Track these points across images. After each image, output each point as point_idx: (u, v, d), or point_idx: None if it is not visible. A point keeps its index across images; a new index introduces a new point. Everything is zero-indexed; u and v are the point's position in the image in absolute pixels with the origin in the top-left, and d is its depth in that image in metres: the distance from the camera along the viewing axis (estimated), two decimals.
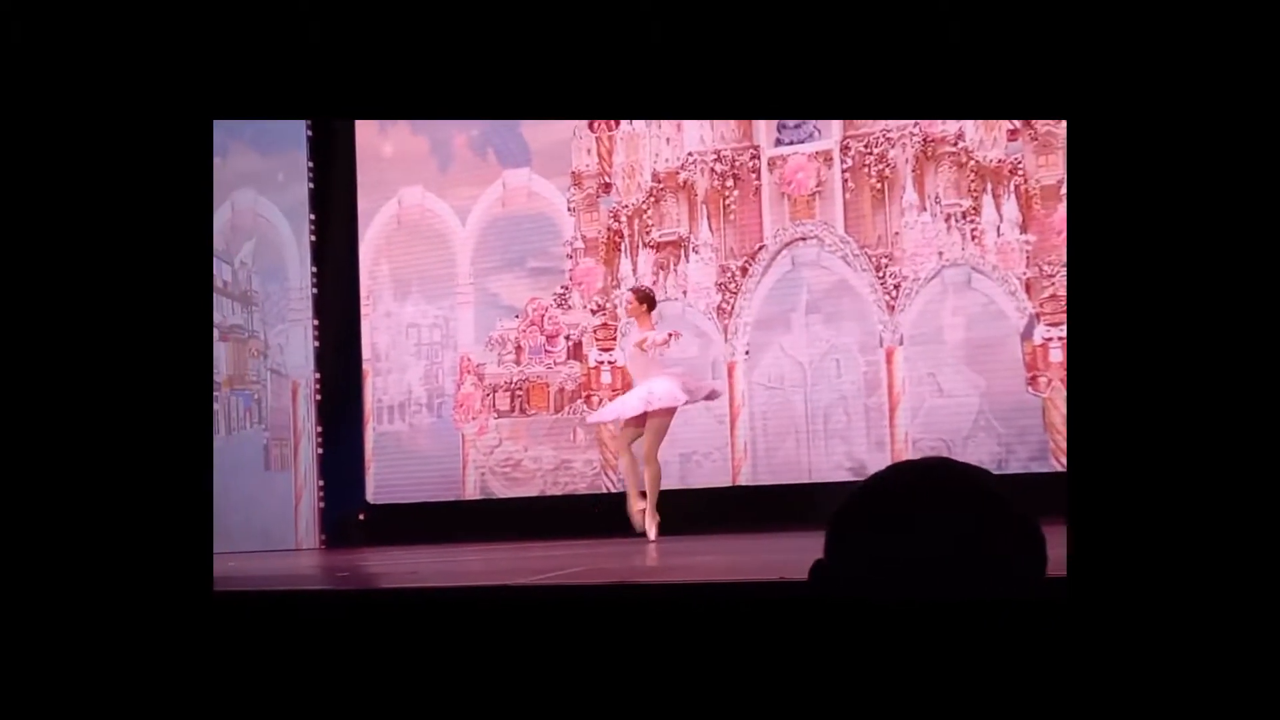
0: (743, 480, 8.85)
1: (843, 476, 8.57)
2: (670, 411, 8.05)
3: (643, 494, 8.03)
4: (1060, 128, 7.92)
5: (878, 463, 8.50)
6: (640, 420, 8.03)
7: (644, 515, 8.06)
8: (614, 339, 9.28)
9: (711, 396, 8.36)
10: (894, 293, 8.56)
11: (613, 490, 9.23)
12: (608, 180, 9.38)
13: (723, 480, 8.91)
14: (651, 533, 8.06)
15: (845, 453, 8.62)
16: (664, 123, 9.22)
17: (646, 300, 8.13)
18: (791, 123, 8.86)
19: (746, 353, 8.90)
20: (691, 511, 8.77)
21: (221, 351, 9.96)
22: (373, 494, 9.82)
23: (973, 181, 8.37)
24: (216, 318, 10.01)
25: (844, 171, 8.71)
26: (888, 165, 8.61)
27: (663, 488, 9.02)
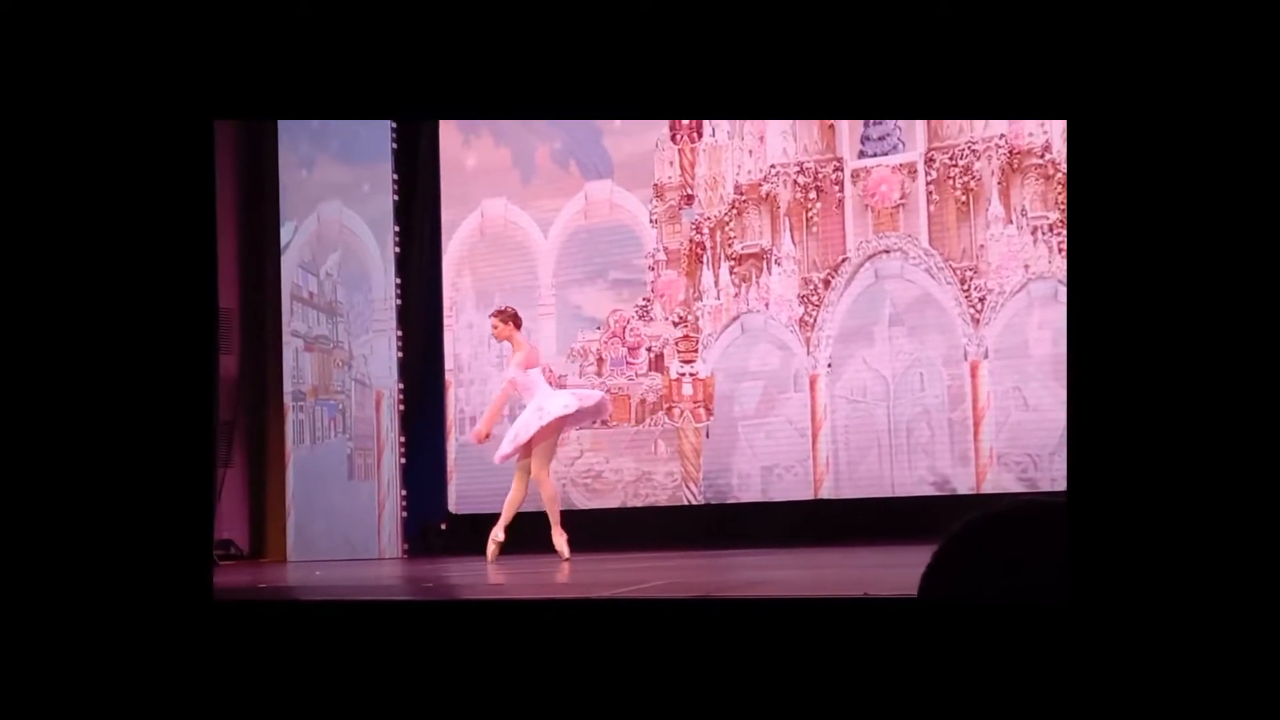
0: (825, 494, 8.80)
1: (926, 491, 8.49)
2: (556, 429, 8.10)
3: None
4: None
5: (962, 478, 8.41)
6: (528, 447, 8.09)
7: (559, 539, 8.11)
8: (696, 351, 9.27)
9: (600, 408, 8.41)
10: (979, 306, 8.47)
11: (694, 503, 9.21)
12: (690, 192, 9.37)
13: (804, 494, 8.86)
14: (565, 551, 8.11)
15: (929, 467, 8.54)
16: (746, 134, 9.20)
17: (512, 319, 8.24)
18: (875, 134, 8.81)
19: (829, 366, 8.84)
20: (773, 525, 8.73)
21: (307, 362, 10.06)
22: (454, 504, 9.87)
23: (1060, 194, 8.26)
24: (302, 328, 10.11)
25: (928, 183, 8.64)
26: (973, 177, 8.53)
27: (744, 500, 9.00)
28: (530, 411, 8.09)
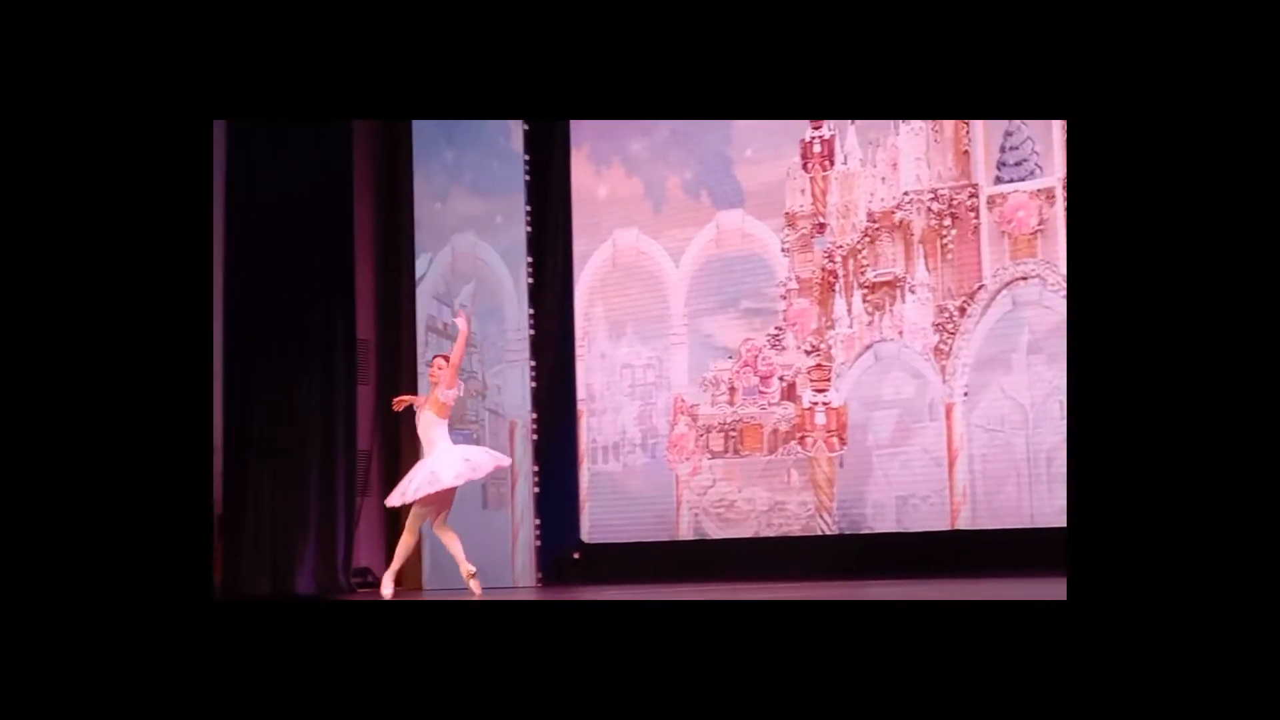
0: (962, 524, 8.66)
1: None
2: (448, 495, 8.22)
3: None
4: None
5: None
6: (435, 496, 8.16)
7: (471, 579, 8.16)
8: (829, 380, 9.20)
9: (494, 472, 8.57)
10: None
11: (828, 533, 9.13)
12: (822, 220, 9.33)
13: (941, 524, 8.73)
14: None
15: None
16: (879, 161, 9.13)
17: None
18: (1011, 160, 8.69)
19: (965, 394, 8.72)
20: (909, 555, 8.62)
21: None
22: (588, 533, 9.90)
23: None
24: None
25: (1067, 209, 8.49)
26: None
27: (879, 529, 8.90)
28: (425, 472, 8.18)
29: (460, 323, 8.40)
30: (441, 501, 8.27)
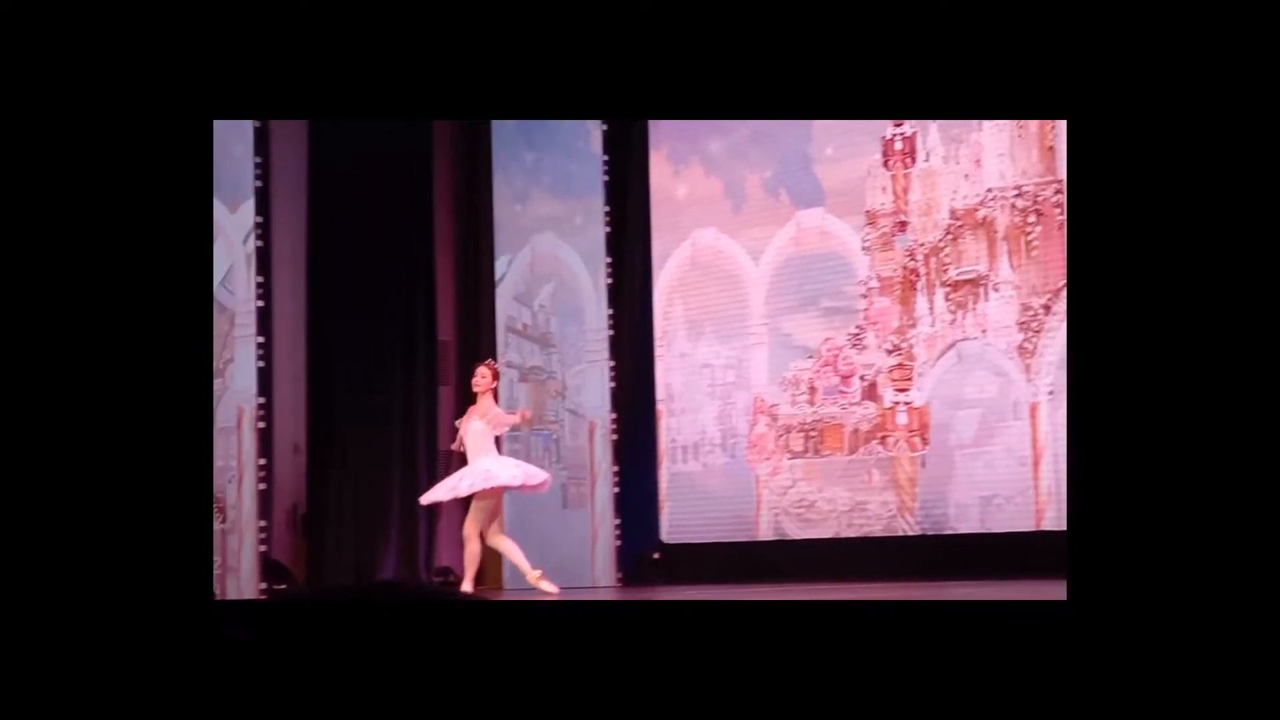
0: (1047, 525, 8.55)
1: None
2: (499, 492, 8.24)
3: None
4: None
5: None
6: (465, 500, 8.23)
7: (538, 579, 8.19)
8: (910, 379, 9.12)
9: (539, 487, 8.48)
10: None
11: (910, 533, 9.05)
12: (903, 218, 9.25)
13: (1026, 525, 8.62)
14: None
15: None
16: (962, 158, 9.04)
17: (498, 378, 8.38)
18: None
19: (1050, 393, 8.60)
20: (993, 556, 8.51)
21: (522, 393, 10.20)
22: (667, 533, 9.88)
23: None
24: (516, 359, 10.26)
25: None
26: None
27: (962, 530, 8.81)
28: (479, 470, 8.21)
29: (517, 417, 8.46)
30: (494, 508, 8.31)
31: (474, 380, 8.43)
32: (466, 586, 8.40)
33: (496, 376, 8.52)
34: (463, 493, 8.26)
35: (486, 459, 8.26)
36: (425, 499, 8.55)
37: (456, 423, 8.64)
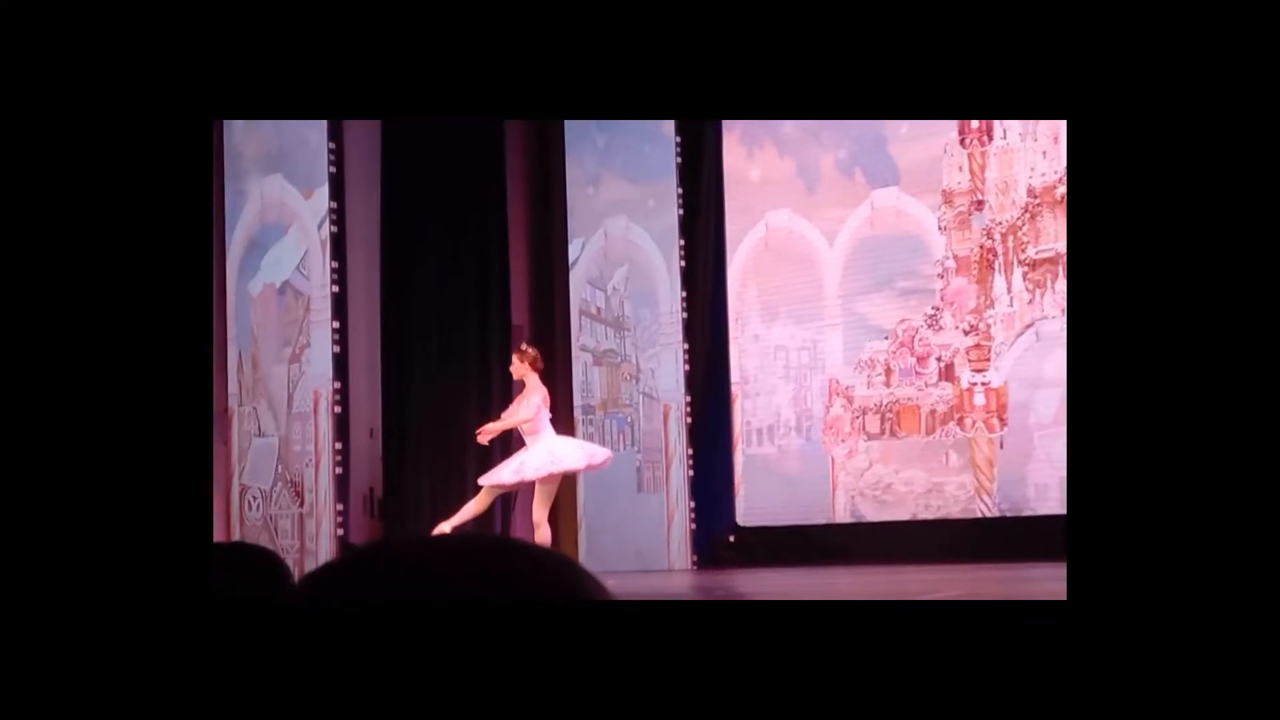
0: None
1: None
2: (558, 478, 8.12)
3: None
4: None
5: None
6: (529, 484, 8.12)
7: None
8: (988, 360, 9.01)
9: (602, 465, 8.37)
10: None
11: (988, 515, 8.94)
12: (980, 197, 9.13)
13: None
14: None
15: None
16: (1040, 135, 8.92)
17: (533, 361, 8.20)
18: None
19: None
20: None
21: (595, 376, 10.20)
22: (743, 516, 9.84)
23: None
24: (590, 343, 10.26)
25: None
26: None
27: (1042, 512, 8.71)
28: (542, 453, 8.10)
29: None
30: (555, 491, 8.31)
31: (513, 368, 8.37)
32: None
33: (526, 359, 8.34)
34: (529, 476, 8.24)
35: (548, 440, 8.23)
36: (488, 481, 8.52)
37: (504, 415, 8.61)
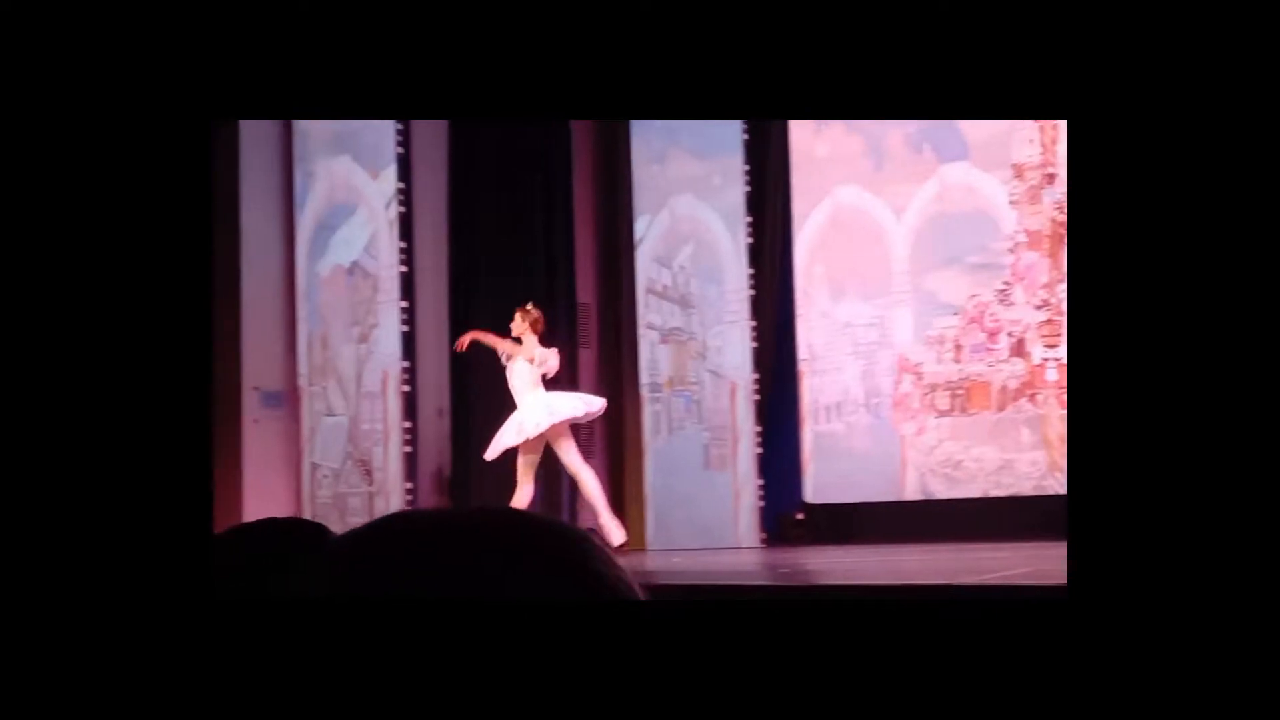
0: None
1: None
2: (566, 426, 8.27)
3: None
4: None
5: None
6: (534, 443, 8.25)
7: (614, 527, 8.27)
8: (1060, 335, 8.89)
9: (601, 409, 8.52)
10: None
11: (1061, 492, 8.83)
12: (1052, 170, 9.01)
13: None
14: (619, 538, 8.28)
15: None
16: None
17: (534, 325, 8.33)
18: None
19: None
20: None
21: (662, 354, 10.18)
22: (811, 493, 9.79)
23: None
24: (657, 320, 10.23)
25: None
26: None
27: None
28: (539, 408, 8.21)
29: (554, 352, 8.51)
30: (564, 438, 8.42)
31: (514, 324, 8.45)
32: (614, 531, 8.40)
33: (527, 318, 8.48)
34: (532, 433, 8.30)
35: (542, 395, 8.31)
36: (490, 453, 8.61)
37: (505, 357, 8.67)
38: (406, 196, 9.78)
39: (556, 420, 8.25)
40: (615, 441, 10.70)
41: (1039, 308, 9.01)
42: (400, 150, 9.75)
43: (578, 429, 10.48)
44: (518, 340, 8.42)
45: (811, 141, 9.99)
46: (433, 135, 10.06)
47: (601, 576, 0.89)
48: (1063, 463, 8.77)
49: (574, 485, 9.91)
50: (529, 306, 8.52)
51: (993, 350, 9.18)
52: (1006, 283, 9.15)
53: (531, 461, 8.41)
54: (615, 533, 8.40)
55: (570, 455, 8.40)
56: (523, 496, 8.41)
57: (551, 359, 8.41)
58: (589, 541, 0.92)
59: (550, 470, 9.78)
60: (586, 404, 8.49)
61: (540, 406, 8.28)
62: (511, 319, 8.46)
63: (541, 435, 8.27)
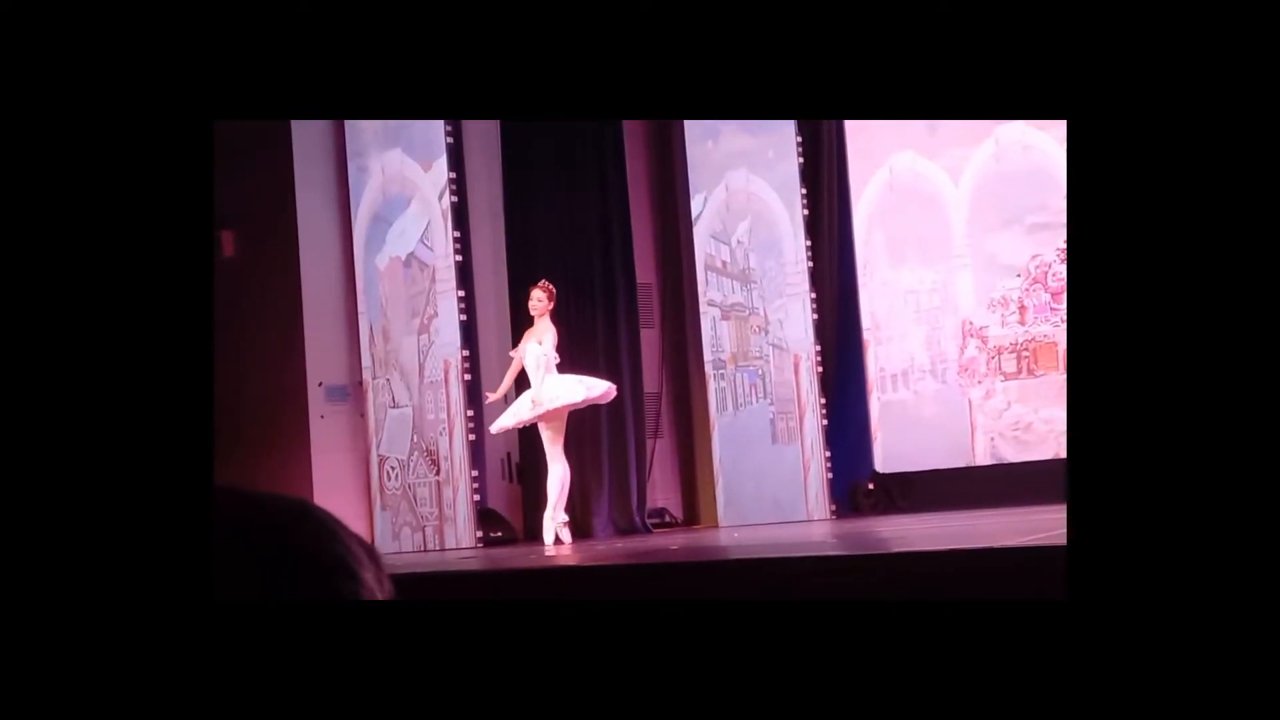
0: None
1: None
2: (566, 411, 8.28)
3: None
4: None
5: None
6: (552, 424, 8.30)
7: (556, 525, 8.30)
8: None
9: (606, 394, 8.50)
10: None
11: None
12: None
13: None
14: (563, 536, 8.37)
15: None
16: None
17: (555, 299, 8.37)
18: None
19: None
20: None
21: (724, 330, 10.13)
22: (881, 463, 9.72)
23: None
24: (717, 297, 10.19)
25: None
26: None
27: None
28: (543, 393, 8.23)
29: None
30: (563, 427, 8.41)
31: (530, 304, 8.47)
32: (550, 531, 8.46)
33: (553, 298, 8.53)
34: (528, 419, 8.37)
35: (549, 378, 8.32)
36: (494, 429, 8.68)
37: (512, 352, 8.72)
38: (459, 185, 9.79)
39: (558, 405, 8.31)
40: (683, 420, 10.69)
41: None
42: (450, 140, 9.76)
43: (659, 409, 10.48)
44: (529, 324, 8.54)
45: None
46: (483, 124, 10.06)
47: (317, 555, 0.95)
48: None
49: (642, 467, 9.91)
50: (545, 283, 8.60)
51: (1057, 310, 9.06)
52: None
53: (555, 440, 8.44)
54: (550, 533, 8.44)
55: (553, 443, 8.44)
56: (555, 476, 8.46)
57: (551, 352, 8.48)
58: (312, 520, 0.97)
59: (618, 455, 9.78)
60: (588, 389, 8.47)
61: (545, 391, 8.33)
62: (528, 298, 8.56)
63: (549, 413, 8.31)
